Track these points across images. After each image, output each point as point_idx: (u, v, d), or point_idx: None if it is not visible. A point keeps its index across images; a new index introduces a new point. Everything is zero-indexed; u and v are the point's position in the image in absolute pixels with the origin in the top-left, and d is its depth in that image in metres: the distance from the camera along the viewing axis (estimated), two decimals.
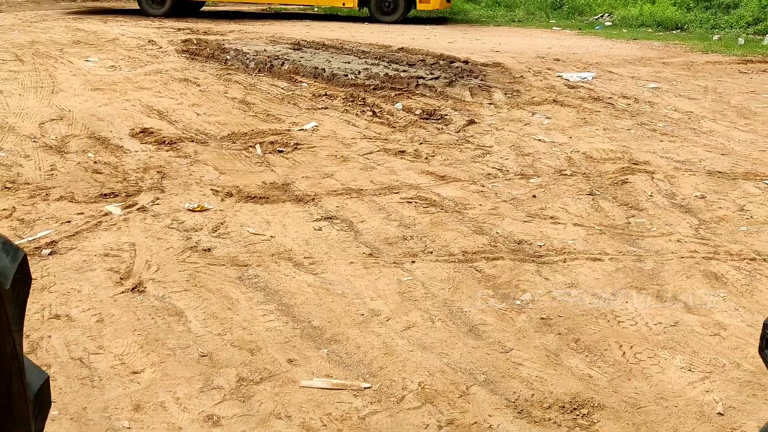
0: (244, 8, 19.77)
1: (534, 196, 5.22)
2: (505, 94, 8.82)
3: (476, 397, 2.88)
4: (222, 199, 4.98)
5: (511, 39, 14.50)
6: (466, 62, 10.91)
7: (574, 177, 5.68)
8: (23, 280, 1.33)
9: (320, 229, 4.51)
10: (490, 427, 2.70)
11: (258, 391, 2.87)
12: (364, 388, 2.92)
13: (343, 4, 17.42)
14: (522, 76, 10.01)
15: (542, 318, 3.51)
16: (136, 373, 2.98)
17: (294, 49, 11.84)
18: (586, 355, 3.21)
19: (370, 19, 17.18)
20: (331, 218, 4.70)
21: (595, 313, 3.56)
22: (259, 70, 9.76)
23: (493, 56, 11.78)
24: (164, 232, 4.39)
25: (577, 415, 2.79)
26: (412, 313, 3.52)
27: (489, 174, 5.73)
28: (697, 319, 3.53)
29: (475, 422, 2.72)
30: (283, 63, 10.21)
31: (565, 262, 4.15)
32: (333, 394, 2.87)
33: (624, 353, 3.23)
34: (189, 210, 4.75)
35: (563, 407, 2.83)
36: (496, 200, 5.13)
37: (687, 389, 2.98)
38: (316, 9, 19.38)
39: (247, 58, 10.59)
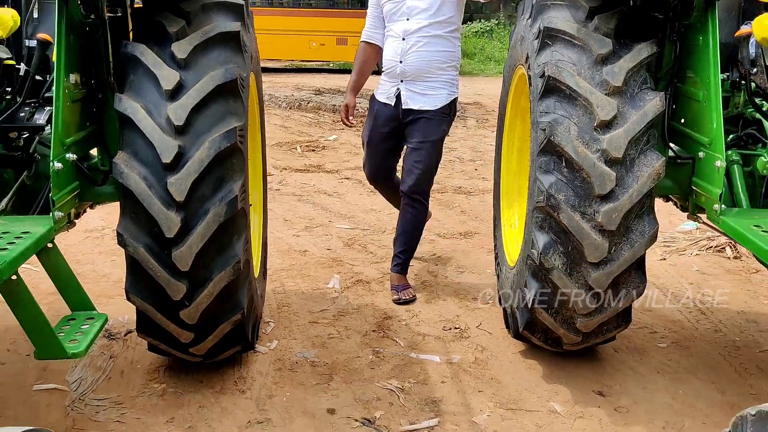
0: (269, 64, 23.62)
1: (476, 170, 8.61)
2: (477, 121, 12.31)
3: None
4: (280, 171, 8.40)
5: (494, 86, 18.10)
6: None
7: None
8: None
9: (342, 182, 7.92)
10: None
11: (314, 229, 6.23)
12: (365, 229, 6.26)
13: None
14: (494, 110, 13.53)
15: (462, 211, 6.87)
16: None
17: (316, 94, 15.46)
18: (480, 222, 6.55)
19: (378, 72, 20.90)
20: (348, 178, 8.11)
21: (490, 209, 6.90)
22: (291, 108, 13.34)
23: (476, 98, 15.37)
24: None
25: (466, 234, 6.11)
26: (395, 211, 6.88)
27: (451, 160, 9.14)
28: None
29: None
30: (309, 102, 13.79)
31: (483, 195, 7.51)
32: (351, 229, 6.23)
33: None
34: None
35: (460, 233, 6.16)
36: (452, 171, 8.53)
37: None
38: (331, 64, 23.21)
39: (279, 100, 14.18)
